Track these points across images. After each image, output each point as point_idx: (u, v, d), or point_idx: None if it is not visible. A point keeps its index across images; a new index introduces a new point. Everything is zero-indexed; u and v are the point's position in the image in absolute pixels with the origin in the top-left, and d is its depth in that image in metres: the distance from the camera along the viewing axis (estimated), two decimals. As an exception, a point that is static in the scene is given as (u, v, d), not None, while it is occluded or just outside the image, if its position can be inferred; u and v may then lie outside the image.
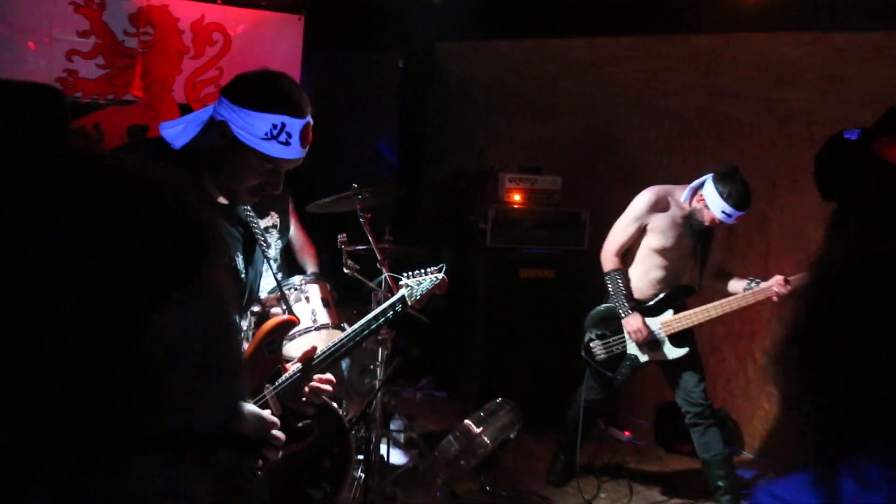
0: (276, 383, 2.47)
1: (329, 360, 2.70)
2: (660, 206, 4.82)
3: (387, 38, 7.09)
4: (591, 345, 4.92)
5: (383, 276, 4.70)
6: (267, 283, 4.17)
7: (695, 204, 4.67)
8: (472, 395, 5.68)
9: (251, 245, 2.48)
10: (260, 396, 2.42)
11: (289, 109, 2.27)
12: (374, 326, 2.88)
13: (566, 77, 6.34)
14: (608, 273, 4.83)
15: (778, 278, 4.53)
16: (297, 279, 4.87)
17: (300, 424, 2.51)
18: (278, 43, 6.11)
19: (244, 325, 2.58)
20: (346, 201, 4.83)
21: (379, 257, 4.76)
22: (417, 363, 6.06)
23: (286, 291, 4.72)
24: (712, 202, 4.51)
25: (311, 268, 5.07)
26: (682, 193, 4.74)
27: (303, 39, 6.30)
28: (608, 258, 4.87)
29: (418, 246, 5.42)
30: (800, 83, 5.32)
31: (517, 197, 5.98)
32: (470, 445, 4.72)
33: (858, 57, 4.93)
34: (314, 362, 2.57)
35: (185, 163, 2.29)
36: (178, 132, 2.31)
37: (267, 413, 2.30)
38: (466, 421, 4.79)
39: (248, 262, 2.46)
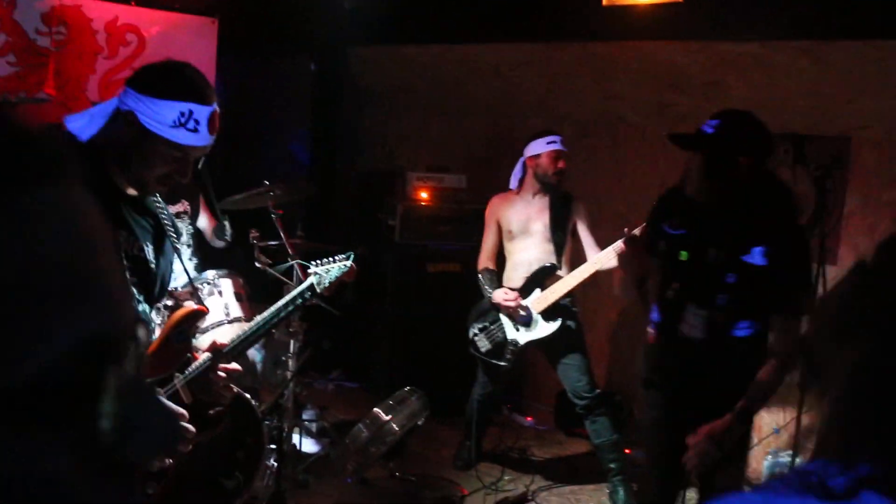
0: (186, 372, 2.46)
1: (239, 349, 2.70)
2: (500, 207, 4.99)
3: (299, 42, 6.98)
4: (475, 339, 4.96)
5: (292, 263, 4.66)
6: (181, 277, 4.14)
7: (535, 173, 4.84)
8: (382, 385, 5.68)
9: (161, 236, 2.46)
10: (170, 385, 2.41)
11: (196, 97, 2.25)
12: (283, 314, 2.88)
13: (471, 81, 6.39)
14: (478, 273, 4.95)
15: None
16: (210, 273, 4.80)
17: (211, 412, 2.50)
18: (192, 45, 5.99)
19: (156, 317, 2.58)
20: (259, 198, 4.80)
21: (290, 252, 4.73)
22: (329, 355, 6.03)
23: (199, 286, 4.69)
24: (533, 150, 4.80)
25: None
26: (517, 186, 4.96)
27: (217, 42, 6.19)
28: (479, 261, 5.01)
29: (329, 242, 5.42)
30: (687, 88, 5.41)
31: (425, 195, 6.03)
32: (379, 433, 4.73)
33: (738, 65, 5.06)
34: (225, 350, 2.57)
35: (91, 155, 2.26)
36: (83, 124, 2.28)
37: (175, 406, 2.31)
38: (376, 409, 4.80)
39: (159, 252, 2.44)
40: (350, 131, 7.16)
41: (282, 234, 4.74)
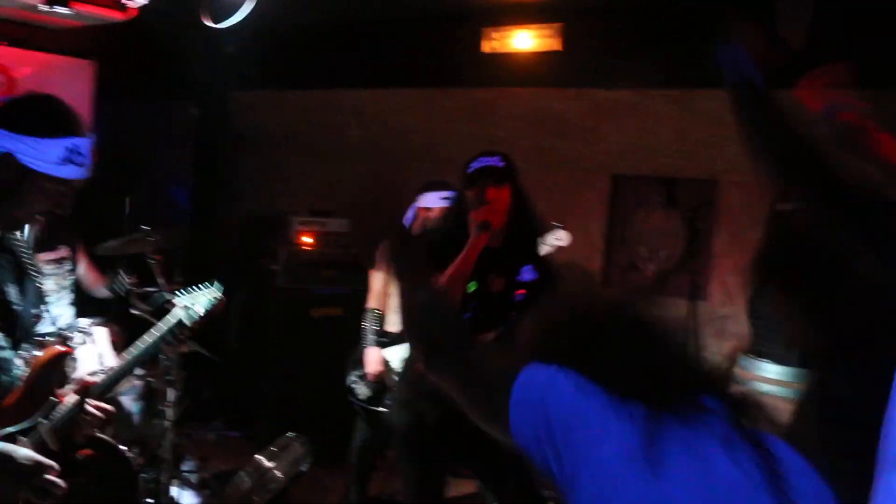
0: (51, 416, 2.31)
1: (110, 387, 2.55)
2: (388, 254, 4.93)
3: (181, 86, 6.94)
4: (353, 386, 4.88)
5: (163, 297, 4.52)
6: (57, 319, 3.94)
7: (424, 224, 4.78)
8: (265, 432, 5.51)
9: (21, 275, 2.34)
10: (34, 433, 2.25)
11: (78, 130, 2.20)
12: (153, 350, 2.78)
13: (355, 126, 6.44)
14: (365, 312, 4.86)
15: None
16: (84, 322, 4.61)
17: (79, 456, 2.37)
18: (67, 87, 5.80)
19: (19, 362, 2.41)
20: (136, 243, 4.66)
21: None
22: (209, 404, 5.86)
23: (71, 334, 4.47)
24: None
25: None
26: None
27: (93, 85, 6.14)
28: (367, 301, 4.92)
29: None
30: (566, 133, 5.56)
31: (308, 239, 5.94)
32: (262, 480, 4.57)
33: (613, 111, 5.23)
34: (94, 388, 2.42)
35: None
36: None
37: (40, 457, 2.14)
38: (257, 456, 4.64)
39: (21, 292, 2.32)
40: (232, 176, 7.10)
41: (160, 281, 4.61)
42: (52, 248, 4.73)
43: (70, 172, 2.19)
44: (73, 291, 4.85)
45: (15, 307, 2.27)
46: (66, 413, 2.34)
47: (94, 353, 4.45)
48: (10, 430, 2.22)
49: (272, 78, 6.36)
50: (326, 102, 6.48)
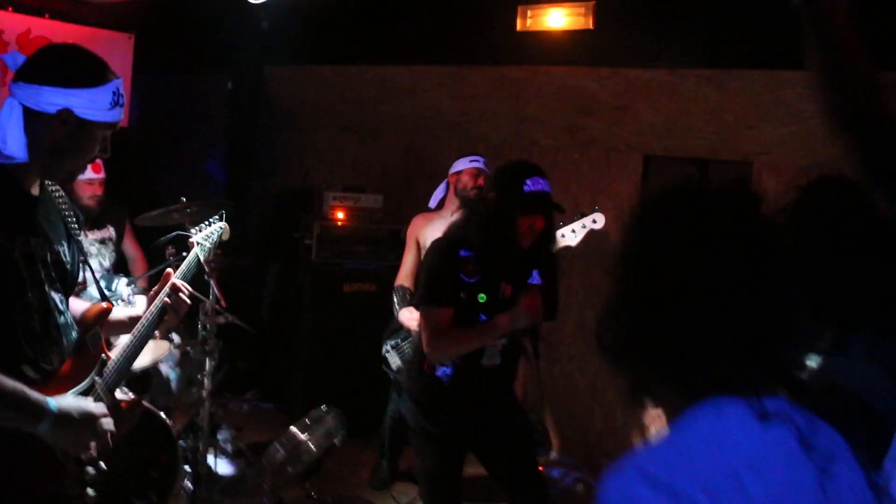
0: (104, 375, 2.39)
1: (149, 332, 2.57)
2: (420, 226, 5.00)
3: (217, 61, 6.99)
4: (387, 355, 4.94)
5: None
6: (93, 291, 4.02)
7: (456, 188, 4.89)
8: (298, 404, 5.61)
9: (68, 231, 2.41)
10: (94, 393, 2.34)
11: (114, 73, 2.29)
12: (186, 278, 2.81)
13: (387, 101, 6.42)
14: (396, 290, 4.94)
15: None
16: (124, 291, 4.71)
17: (124, 405, 2.44)
18: (108, 60, 5.83)
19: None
20: (175, 215, 4.70)
21: (207, 270, 4.59)
22: (244, 375, 5.94)
23: (114, 303, 4.54)
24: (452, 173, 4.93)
25: (139, 283, 4.96)
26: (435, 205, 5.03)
27: (133, 58, 6.23)
28: (397, 278, 5.00)
29: (245, 258, 5.32)
30: (597, 112, 5.51)
31: (341, 214, 5.98)
32: (296, 452, 4.65)
33: (646, 91, 5.17)
34: (136, 338, 2.50)
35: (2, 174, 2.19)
36: (12, 147, 2.19)
37: (98, 405, 2.24)
38: (292, 428, 4.71)
39: (70, 248, 2.39)
40: (266, 150, 7.14)
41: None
42: (100, 227, 4.85)
43: (116, 115, 2.28)
44: (110, 270, 4.98)
45: (68, 265, 2.33)
46: (116, 370, 2.42)
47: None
48: (73, 391, 2.29)
49: (306, 53, 6.36)
50: (359, 78, 6.44)
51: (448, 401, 3.55)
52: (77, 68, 2.24)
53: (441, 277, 3.49)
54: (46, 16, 5.82)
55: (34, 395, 2.05)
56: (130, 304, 4.59)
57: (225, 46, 6.71)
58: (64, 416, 2.10)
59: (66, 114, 2.19)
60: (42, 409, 2.05)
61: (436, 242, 3.62)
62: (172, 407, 4.85)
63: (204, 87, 7.25)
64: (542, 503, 3.77)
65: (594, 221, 4.48)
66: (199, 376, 4.76)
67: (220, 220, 3.30)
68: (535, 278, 3.61)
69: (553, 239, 3.84)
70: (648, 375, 1.24)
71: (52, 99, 2.18)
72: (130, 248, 5.15)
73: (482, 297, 3.43)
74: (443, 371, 3.50)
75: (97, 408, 2.22)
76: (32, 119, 2.19)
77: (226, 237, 3.33)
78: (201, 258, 3.03)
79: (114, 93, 2.26)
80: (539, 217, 3.49)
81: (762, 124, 4.93)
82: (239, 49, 6.71)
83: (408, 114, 6.45)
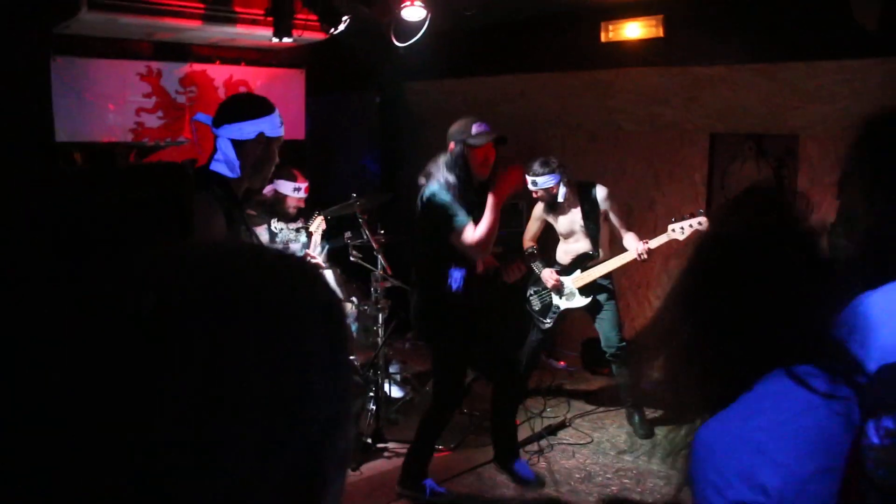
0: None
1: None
2: (543, 208, 5.12)
3: (367, 81, 7.09)
4: (531, 297, 5.20)
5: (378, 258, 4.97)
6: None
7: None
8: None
9: (246, 224, 2.64)
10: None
11: (274, 105, 2.58)
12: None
13: (501, 103, 6.44)
14: (525, 251, 5.19)
15: (640, 244, 4.72)
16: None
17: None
18: (287, 92, 6.19)
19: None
20: (349, 207, 4.99)
21: (375, 247, 4.97)
22: (404, 321, 6.20)
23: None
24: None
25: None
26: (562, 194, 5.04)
27: (305, 87, 6.41)
28: (524, 242, 5.27)
29: (401, 235, 5.50)
30: (671, 102, 5.60)
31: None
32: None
33: (709, 83, 5.22)
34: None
35: (220, 181, 2.45)
36: (224, 167, 2.49)
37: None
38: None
39: (250, 234, 2.67)
40: (410, 149, 7.10)
41: (367, 233, 5.00)
42: (295, 220, 5.22)
43: (283, 131, 2.57)
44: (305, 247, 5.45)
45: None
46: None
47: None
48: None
49: (435, 70, 6.34)
50: (479, 86, 6.46)
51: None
52: (258, 103, 2.53)
53: (456, 207, 3.80)
54: (242, 63, 6.16)
55: None
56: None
57: (373, 70, 6.85)
58: None
59: (261, 136, 2.47)
60: None
61: (433, 190, 3.90)
62: (354, 351, 4.98)
63: (358, 102, 7.35)
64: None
65: (700, 224, 4.49)
66: (374, 328, 5.04)
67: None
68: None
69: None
70: (720, 365, 1.16)
71: (250, 128, 2.46)
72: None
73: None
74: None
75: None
76: (239, 147, 2.48)
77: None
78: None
79: (279, 115, 2.52)
80: (490, 148, 3.82)
81: (805, 105, 4.96)
82: (384, 71, 6.82)
83: (519, 111, 6.49)
